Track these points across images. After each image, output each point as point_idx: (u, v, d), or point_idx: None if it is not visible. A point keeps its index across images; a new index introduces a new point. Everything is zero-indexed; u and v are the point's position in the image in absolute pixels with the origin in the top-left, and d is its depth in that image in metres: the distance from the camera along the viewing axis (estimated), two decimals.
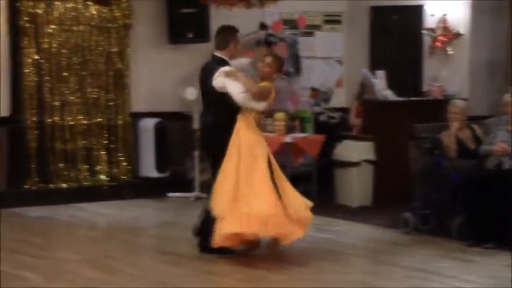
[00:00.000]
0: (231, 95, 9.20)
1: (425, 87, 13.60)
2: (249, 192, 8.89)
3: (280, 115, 12.22)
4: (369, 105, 12.90)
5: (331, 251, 9.53)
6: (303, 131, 12.31)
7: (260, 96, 9.28)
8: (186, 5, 13.30)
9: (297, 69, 13.69)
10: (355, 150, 12.26)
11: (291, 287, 8.24)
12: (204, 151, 10.69)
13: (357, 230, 10.73)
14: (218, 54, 9.63)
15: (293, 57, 13.66)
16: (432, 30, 13.76)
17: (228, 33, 9.75)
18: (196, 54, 13.53)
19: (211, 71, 9.38)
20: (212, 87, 9.32)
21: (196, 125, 12.93)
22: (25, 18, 12.58)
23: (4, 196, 12.29)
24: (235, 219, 8.77)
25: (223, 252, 9.05)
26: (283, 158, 11.93)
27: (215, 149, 9.41)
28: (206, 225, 9.18)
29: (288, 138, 12.01)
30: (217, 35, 9.81)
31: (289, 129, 12.17)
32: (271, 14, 13.16)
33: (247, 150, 9.18)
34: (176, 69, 13.54)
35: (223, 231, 8.77)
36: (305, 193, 11.69)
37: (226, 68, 9.32)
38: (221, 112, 9.37)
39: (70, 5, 12.91)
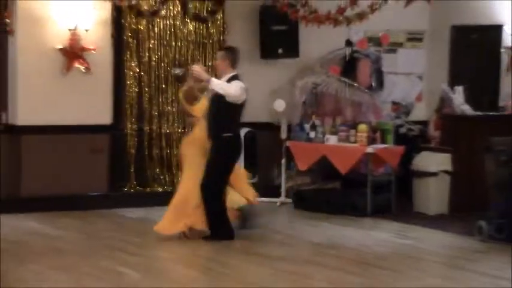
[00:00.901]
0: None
1: (501, 103, 13.47)
2: None
3: (362, 127, 12.22)
4: (448, 119, 12.79)
5: (409, 256, 9.51)
6: (383, 142, 12.26)
7: None
8: (277, 23, 13.34)
9: (380, 84, 13.64)
10: (433, 161, 12.18)
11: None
12: None
13: (434, 237, 10.66)
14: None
15: (376, 72, 13.61)
16: (510, 48, 13.62)
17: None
18: (285, 69, 13.70)
19: None
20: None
21: (284, 134, 13.07)
22: (128, 34, 12.84)
23: (106, 198, 12.55)
24: None
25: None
26: (365, 167, 12.02)
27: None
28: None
29: (369, 149, 11.99)
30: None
31: (371, 140, 12.13)
32: (356, 32, 13.16)
33: None
34: (266, 82, 13.57)
35: None
36: (384, 201, 11.84)
37: None
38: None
39: (169, 22, 13.13)
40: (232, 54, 10.38)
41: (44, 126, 12.18)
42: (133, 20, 12.85)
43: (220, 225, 10.04)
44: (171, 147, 13.23)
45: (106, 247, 9.81)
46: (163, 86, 13.11)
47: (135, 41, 12.90)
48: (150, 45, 13.00)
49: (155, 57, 13.06)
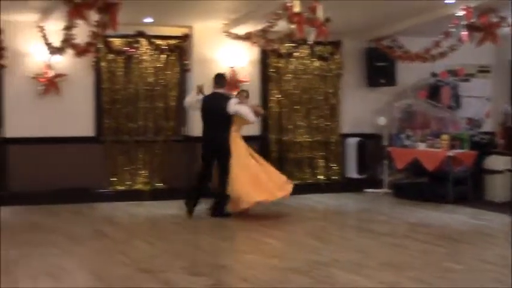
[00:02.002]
0: (243, 116, 10.20)
1: None
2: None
3: (445, 136, 11.92)
4: (510, 130, 12.54)
5: (482, 233, 9.15)
6: (461, 148, 11.94)
7: (256, 113, 10.58)
8: (379, 60, 13.14)
9: (458, 105, 13.30)
10: (499, 162, 11.75)
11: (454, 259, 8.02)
12: (211, 154, 10.35)
13: (500, 218, 10.26)
14: (220, 91, 10.34)
15: (455, 96, 13.29)
16: None
17: (223, 77, 10.53)
18: (385, 93, 13.52)
19: (225, 101, 10.16)
20: (226, 112, 10.08)
21: (385, 142, 12.88)
22: (271, 70, 12.88)
23: None
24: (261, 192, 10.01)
25: (226, 215, 10.08)
26: (447, 166, 11.68)
27: (221, 153, 10.15)
28: (219, 200, 10.12)
29: (450, 153, 11.67)
30: (218, 79, 10.45)
31: (452, 146, 11.84)
32: (439, 66, 12.86)
33: (246, 152, 10.39)
34: (371, 104, 13.41)
35: (256, 199, 10.01)
36: (462, 191, 11.48)
37: (235, 99, 10.29)
38: (226, 128, 10.18)
39: (301, 60, 13.10)
40: (216, 79, 10.47)
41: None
42: (275, 60, 12.88)
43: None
44: (302, 151, 13.18)
45: (255, 224, 9.78)
46: (297, 107, 13.07)
47: (276, 74, 12.92)
48: (287, 78, 13.00)
49: (290, 86, 13.04)
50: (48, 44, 10.94)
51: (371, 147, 13.27)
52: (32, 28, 11.13)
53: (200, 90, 10.42)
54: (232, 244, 8.40)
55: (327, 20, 9.29)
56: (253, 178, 10.13)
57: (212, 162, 10.26)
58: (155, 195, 11.95)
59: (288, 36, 10.07)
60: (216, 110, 10.13)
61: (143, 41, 12.12)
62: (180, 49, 12.33)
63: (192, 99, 10.53)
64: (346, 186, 13.14)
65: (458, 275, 6.77)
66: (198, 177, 10.41)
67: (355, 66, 13.41)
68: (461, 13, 10.51)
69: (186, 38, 12.30)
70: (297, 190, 12.56)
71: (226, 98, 10.23)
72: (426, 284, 6.40)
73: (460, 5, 10.47)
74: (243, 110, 10.22)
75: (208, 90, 10.47)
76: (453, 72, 13.28)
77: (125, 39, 11.98)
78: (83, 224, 9.78)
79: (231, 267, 7.14)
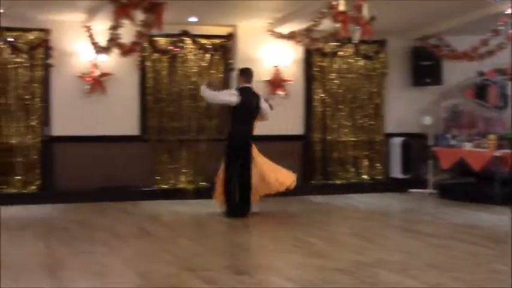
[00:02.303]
0: (265, 113, 10.33)
1: None
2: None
3: (492, 136, 11.76)
4: None
5: None
6: (508, 148, 11.75)
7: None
8: (425, 59, 13.05)
9: (505, 104, 13.10)
10: None
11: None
12: (239, 150, 10.25)
13: None
14: (248, 85, 10.18)
15: (502, 95, 13.08)
16: None
17: (250, 71, 10.30)
18: (431, 93, 13.40)
19: (258, 98, 10.17)
20: (259, 108, 10.18)
21: (430, 142, 12.74)
22: (315, 69, 12.84)
23: (300, 188, 12.54)
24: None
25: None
26: (494, 166, 11.51)
27: (248, 149, 10.16)
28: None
29: (497, 153, 11.50)
30: (247, 73, 10.26)
31: (499, 146, 11.67)
32: (486, 65, 12.67)
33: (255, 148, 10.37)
34: (416, 103, 13.31)
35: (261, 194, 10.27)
36: (509, 192, 11.28)
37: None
38: (254, 124, 10.22)
39: (345, 59, 13.04)
40: (245, 74, 10.33)
41: (259, 136, 12.26)
42: (319, 59, 12.84)
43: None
44: (346, 151, 13.13)
45: (300, 223, 9.81)
46: (341, 106, 13.02)
47: (320, 74, 12.88)
48: (331, 77, 12.95)
49: (334, 85, 12.99)
50: (95, 44, 11.08)
51: (416, 147, 13.15)
52: (78, 28, 11.28)
53: (211, 85, 10.41)
54: (276, 243, 8.38)
55: (372, 18, 9.22)
56: (261, 175, 10.27)
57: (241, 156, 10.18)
58: (198, 193, 12.02)
59: (333, 35, 10.03)
60: (251, 104, 10.14)
61: (188, 40, 12.20)
62: (224, 48, 12.39)
63: (216, 93, 10.30)
64: (390, 186, 13.05)
65: (504, 277, 6.65)
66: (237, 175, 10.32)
67: (400, 65, 13.31)
68: (510, 11, 10.34)
69: (230, 37, 12.34)
70: (341, 190, 12.62)
71: (257, 94, 10.27)
72: (472, 286, 6.31)
73: (508, 2, 10.31)
74: (266, 107, 10.31)
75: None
76: (501, 71, 13.08)
77: (169, 39, 12.07)
78: (128, 222, 9.88)
79: (275, 267, 7.12)
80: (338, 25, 9.00)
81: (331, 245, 8.31)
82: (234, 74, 10.45)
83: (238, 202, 10.03)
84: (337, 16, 8.84)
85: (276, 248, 8.18)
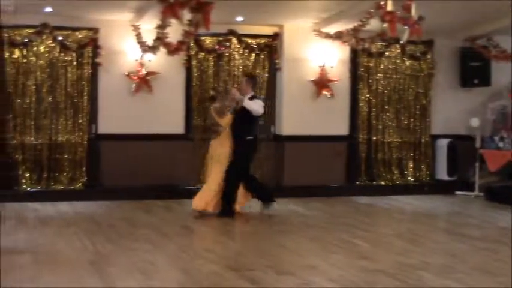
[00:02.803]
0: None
1: None
2: None
3: None
4: None
5: None
6: None
7: None
8: (473, 60, 12.91)
9: None
10: None
11: None
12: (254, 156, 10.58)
13: None
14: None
15: None
16: None
17: (257, 79, 10.79)
18: (479, 94, 13.25)
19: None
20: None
21: (478, 144, 12.59)
22: (361, 69, 12.78)
23: (343, 188, 12.56)
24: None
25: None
26: None
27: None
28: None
29: None
30: (254, 81, 10.58)
31: None
32: None
33: None
34: (464, 105, 13.15)
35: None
36: None
37: None
38: None
39: (391, 60, 12.94)
40: (253, 80, 10.47)
41: (300, 136, 12.34)
42: (365, 59, 12.78)
43: (228, 206, 9.98)
44: (391, 152, 13.04)
45: (343, 224, 9.78)
46: (386, 107, 12.94)
47: (366, 74, 12.82)
48: (377, 77, 12.87)
49: (380, 86, 12.91)
50: (142, 43, 11.20)
51: (462, 148, 12.98)
52: (126, 27, 11.42)
53: (215, 98, 10.61)
54: (319, 244, 8.36)
55: (420, 18, 9.15)
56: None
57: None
58: None
59: (380, 36, 9.99)
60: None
61: (234, 40, 12.24)
62: (270, 48, 12.41)
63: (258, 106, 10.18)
64: (435, 188, 12.91)
65: None
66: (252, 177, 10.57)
67: (447, 65, 13.17)
68: None
69: (276, 36, 12.36)
70: (385, 191, 12.54)
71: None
72: None
73: None
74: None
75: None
76: None
77: (215, 38, 12.13)
78: (172, 220, 9.96)
79: (319, 267, 7.12)
80: (385, 25, 8.95)
81: (375, 247, 8.27)
82: (243, 81, 10.38)
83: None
84: (384, 16, 8.79)
85: (319, 248, 8.16)
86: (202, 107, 12.21)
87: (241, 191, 10.19)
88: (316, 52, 12.26)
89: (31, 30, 11.30)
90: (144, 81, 11.71)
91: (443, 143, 13.11)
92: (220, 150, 10.12)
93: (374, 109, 12.91)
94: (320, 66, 12.32)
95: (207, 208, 9.94)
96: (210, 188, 10.00)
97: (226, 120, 10.17)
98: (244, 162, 10.16)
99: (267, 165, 12.39)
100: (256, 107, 9.99)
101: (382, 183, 12.91)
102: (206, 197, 9.97)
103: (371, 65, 12.81)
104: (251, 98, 10.10)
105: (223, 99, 10.33)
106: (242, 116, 10.02)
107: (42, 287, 6.22)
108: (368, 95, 12.84)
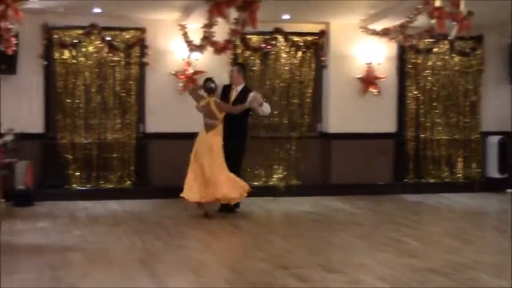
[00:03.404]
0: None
1: None
2: None
3: None
4: None
5: None
6: None
7: None
8: None
9: None
10: None
11: None
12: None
13: None
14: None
15: None
16: None
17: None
18: None
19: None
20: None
21: None
22: (409, 66, 12.66)
23: (391, 186, 12.45)
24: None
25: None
26: None
27: None
28: None
29: None
30: (245, 70, 10.62)
31: None
32: None
33: None
34: None
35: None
36: None
37: None
38: None
39: (440, 56, 12.79)
40: (244, 70, 10.45)
41: (347, 133, 12.29)
42: (413, 56, 12.66)
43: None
44: (440, 149, 12.89)
45: (392, 222, 9.72)
46: (435, 104, 12.80)
47: (414, 71, 12.70)
48: (425, 74, 12.74)
49: (429, 83, 12.78)
50: (189, 42, 11.28)
51: None
52: (173, 26, 11.51)
53: (195, 90, 10.48)
54: (368, 242, 8.33)
55: (470, 13, 9.00)
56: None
57: None
58: (290, 191, 12.06)
59: (428, 32, 9.88)
60: None
61: (280, 38, 12.25)
62: (317, 45, 12.38)
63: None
64: (486, 185, 12.73)
65: None
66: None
67: (497, 61, 12.96)
68: None
69: (322, 34, 12.32)
70: (434, 189, 12.42)
71: None
72: None
73: None
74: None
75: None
76: None
77: (262, 36, 12.15)
78: (220, 218, 9.98)
79: (368, 266, 7.09)
80: (434, 21, 8.82)
81: (425, 245, 8.20)
82: (234, 70, 10.37)
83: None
84: (433, 12, 8.66)
85: (368, 246, 8.13)
86: None
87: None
88: (362, 49, 12.20)
89: (80, 31, 11.47)
90: (191, 80, 11.78)
91: (493, 140, 12.91)
92: (214, 142, 9.93)
93: (422, 106, 12.77)
94: (367, 64, 12.24)
95: (202, 199, 9.80)
96: (203, 178, 9.82)
97: (223, 115, 10.08)
98: (242, 159, 10.35)
99: (313, 163, 12.37)
100: (269, 110, 10.33)
101: (431, 180, 12.77)
102: (198, 186, 9.81)
103: (419, 61, 12.68)
104: (246, 91, 10.15)
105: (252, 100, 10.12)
106: (245, 115, 10.20)
107: (94, 285, 6.31)
108: (416, 92, 12.71)
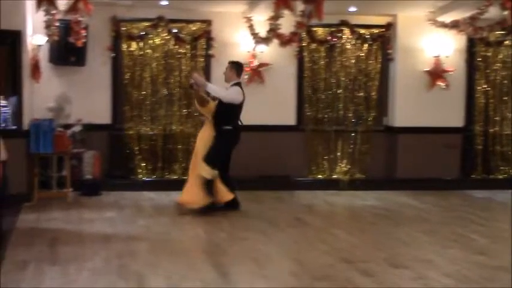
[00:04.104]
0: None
1: None
2: None
3: None
4: None
5: None
6: None
7: None
8: None
9: None
10: None
11: None
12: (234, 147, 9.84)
13: None
14: (240, 81, 9.83)
15: None
16: None
17: (243, 67, 10.02)
18: None
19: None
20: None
21: None
22: (478, 59, 12.41)
23: (458, 181, 12.23)
24: None
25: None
26: None
27: None
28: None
29: None
30: (239, 68, 9.82)
31: None
32: None
33: None
34: None
35: None
36: None
37: None
38: None
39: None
40: (238, 68, 9.75)
41: (413, 127, 12.13)
42: (483, 48, 12.40)
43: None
44: (510, 144, 12.58)
45: (459, 218, 9.56)
46: (505, 98, 12.52)
47: (483, 64, 12.44)
48: (495, 67, 12.47)
49: (499, 76, 12.49)
50: (255, 34, 11.31)
51: None
52: (239, 19, 11.56)
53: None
54: (434, 238, 8.20)
55: None
56: None
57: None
58: (353, 185, 11.99)
59: (499, 24, 9.67)
60: (243, 101, 9.74)
61: (346, 30, 12.16)
62: (383, 38, 12.25)
63: (230, 92, 9.63)
64: None
65: None
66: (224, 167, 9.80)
67: None
68: None
69: (389, 26, 12.19)
70: (503, 185, 12.15)
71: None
72: None
73: None
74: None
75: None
76: None
77: (327, 29, 12.09)
78: (284, 211, 10.02)
79: (434, 262, 6.99)
80: (506, 13, 8.65)
81: (494, 242, 8.04)
82: (228, 67, 9.78)
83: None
84: (505, 3, 8.50)
85: (434, 242, 8.01)
86: (314, 98, 12.22)
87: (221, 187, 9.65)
88: (430, 42, 12.01)
89: (147, 23, 11.62)
90: (256, 73, 11.82)
91: None
92: (201, 142, 9.69)
93: (491, 100, 12.52)
94: (435, 57, 12.06)
95: (194, 203, 9.43)
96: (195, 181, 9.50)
97: (208, 109, 9.70)
98: (218, 152, 9.54)
99: (378, 157, 12.27)
100: (223, 93, 9.49)
101: (500, 176, 12.51)
102: (193, 190, 9.50)
103: (489, 54, 12.42)
104: (233, 85, 9.65)
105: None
106: (220, 104, 9.55)
107: (159, 274, 6.40)
108: (485, 86, 12.46)
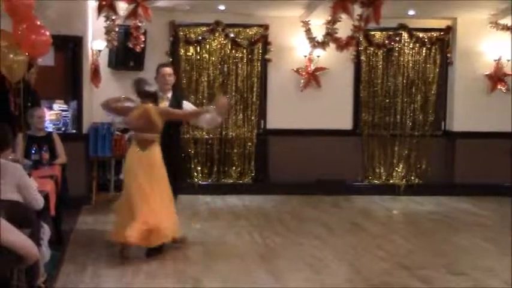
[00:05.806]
0: None
1: None
2: None
3: None
4: None
5: None
6: None
7: None
8: None
9: None
10: None
11: None
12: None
13: None
14: None
15: None
16: None
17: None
18: None
19: None
20: None
21: None
22: None
23: (509, 188, 11.89)
24: None
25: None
26: None
27: None
28: None
29: None
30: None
31: None
32: None
33: None
34: None
35: None
36: None
37: None
38: None
39: None
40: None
41: (472, 132, 11.89)
42: None
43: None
44: None
45: None
46: None
47: None
48: None
49: None
50: (311, 39, 11.26)
51: None
52: (295, 23, 11.52)
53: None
54: (494, 245, 8.02)
55: None
56: None
57: None
58: (411, 190, 11.82)
59: None
60: None
61: (404, 34, 12.01)
62: (442, 42, 12.05)
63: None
64: None
65: None
66: None
67: None
68: None
69: (448, 30, 11.99)
70: None
71: None
72: None
73: None
74: None
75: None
76: None
77: (385, 33, 11.95)
78: (339, 216, 9.94)
79: (494, 269, 6.84)
80: None
81: None
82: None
83: None
84: None
85: (494, 249, 7.84)
86: (371, 103, 12.10)
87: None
88: (491, 45, 11.77)
89: (205, 28, 11.67)
90: (313, 77, 11.77)
91: None
92: (156, 160, 7.37)
93: None
94: (495, 60, 11.81)
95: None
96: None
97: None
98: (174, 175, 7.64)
99: (436, 162, 12.06)
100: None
101: None
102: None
103: None
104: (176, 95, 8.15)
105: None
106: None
107: (215, 278, 6.41)
108: None
